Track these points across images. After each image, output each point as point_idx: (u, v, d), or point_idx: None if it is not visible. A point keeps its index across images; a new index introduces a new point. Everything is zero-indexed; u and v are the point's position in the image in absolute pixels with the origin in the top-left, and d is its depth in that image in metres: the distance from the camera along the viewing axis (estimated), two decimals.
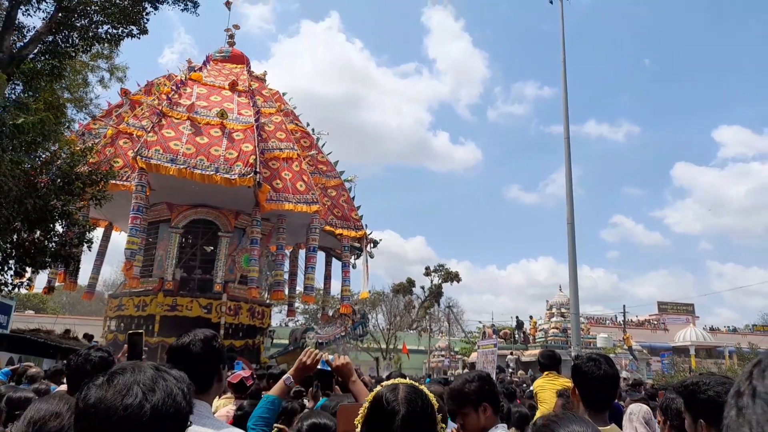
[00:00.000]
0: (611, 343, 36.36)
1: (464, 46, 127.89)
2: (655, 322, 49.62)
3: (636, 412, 5.64)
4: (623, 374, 28.95)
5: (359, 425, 1.71)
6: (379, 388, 1.74)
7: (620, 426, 5.79)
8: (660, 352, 38.73)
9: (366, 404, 1.71)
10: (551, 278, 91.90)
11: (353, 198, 23.50)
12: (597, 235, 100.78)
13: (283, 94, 24.37)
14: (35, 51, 13.35)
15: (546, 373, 5.78)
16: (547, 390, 5.52)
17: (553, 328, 34.92)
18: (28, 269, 12.24)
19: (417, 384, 1.75)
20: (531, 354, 34.43)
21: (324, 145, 23.98)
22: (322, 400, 4.21)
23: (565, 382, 5.26)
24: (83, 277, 23.31)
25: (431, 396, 1.72)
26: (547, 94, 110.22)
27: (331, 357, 2.68)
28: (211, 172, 17.22)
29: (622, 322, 41.84)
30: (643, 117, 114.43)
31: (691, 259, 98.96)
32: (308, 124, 24.11)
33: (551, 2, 26.35)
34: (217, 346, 2.08)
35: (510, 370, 30.15)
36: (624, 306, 41.78)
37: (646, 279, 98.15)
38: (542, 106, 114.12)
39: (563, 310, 34.77)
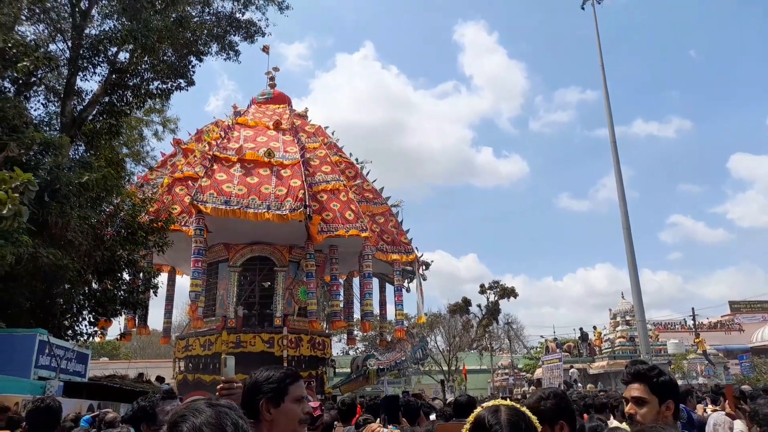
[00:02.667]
0: (683, 348, 34.67)
1: (500, 59, 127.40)
2: (729, 323, 47.07)
3: (721, 423, 5.36)
4: (699, 380, 27.53)
5: None
6: (479, 410, 1.71)
7: None
8: (737, 354, 36.63)
9: (467, 426, 1.69)
10: (612, 286, 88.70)
11: (401, 222, 23.65)
12: (656, 237, 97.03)
13: (325, 127, 24.98)
14: (93, 112, 14.26)
15: None
16: None
17: (619, 337, 33.68)
18: (102, 318, 12.85)
19: (518, 406, 1.72)
20: (598, 366, 33.27)
21: (368, 173, 24.35)
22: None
23: None
24: (155, 323, 24.33)
25: (534, 419, 1.70)
26: (590, 98, 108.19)
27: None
28: (263, 210, 17.75)
29: (692, 326, 39.93)
30: (693, 110, 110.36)
31: (760, 253, 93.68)
32: (351, 154, 24.56)
33: (583, 8, 26.18)
34: (261, 379, 2.14)
35: (579, 384, 29.19)
36: (693, 309, 39.95)
37: (713, 278, 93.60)
38: (586, 111, 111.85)
39: (628, 317, 33.55)
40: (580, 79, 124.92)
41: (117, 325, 19.32)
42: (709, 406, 7.67)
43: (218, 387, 2.39)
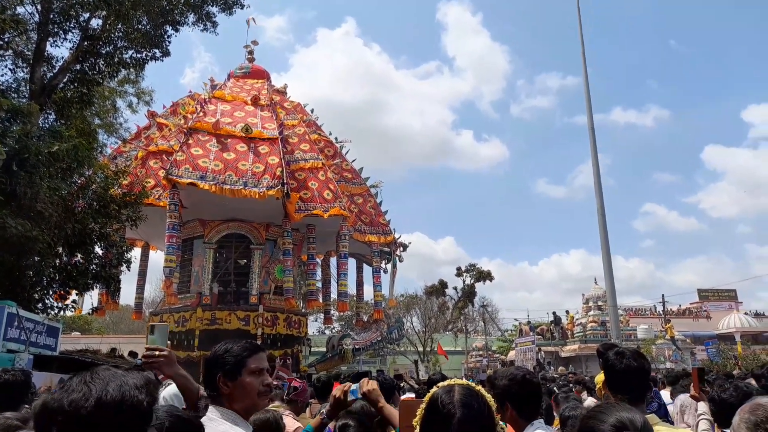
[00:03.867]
0: (652, 333, 35.54)
1: (483, 41, 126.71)
2: (697, 311, 48.36)
3: (688, 404, 5.45)
4: (667, 365, 28.27)
5: (417, 426, 1.69)
6: (435, 389, 1.70)
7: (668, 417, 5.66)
8: (704, 341, 37.69)
9: (423, 405, 1.69)
10: (585, 271, 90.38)
11: (380, 203, 23.58)
12: (630, 224, 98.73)
13: (305, 105, 24.64)
14: (64, 80, 13.81)
15: None
16: None
17: (591, 321, 34.36)
18: (73, 292, 12.60)
19: (473, 385, 1.71)
20: (570, 349, 33.94)
21: (348, 152, 24.16)
22: None
23: None
24: (128, 298, 24.00)
25: (488, 397, 1.69)
26: (571, 83, 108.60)
27: (355, 386, 2.68)
28: (240, 187, 17.50)
29: (662, 312, 40.91)
30: (672, 100, 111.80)
31: (729, 243, 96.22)
32: (330, 133, 24.31)
33: None
34: (219, 352, 2.14)
35: (551, 366, 29.76)
36: (663, 295, 40.78)
37: (683, 266, 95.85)
38: (567, 97, 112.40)
39: (600, 302, 34.21)
40: (562, 65, 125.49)
41: (89, 300, 19.01)
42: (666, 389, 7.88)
43: (141, 356, 2.33)
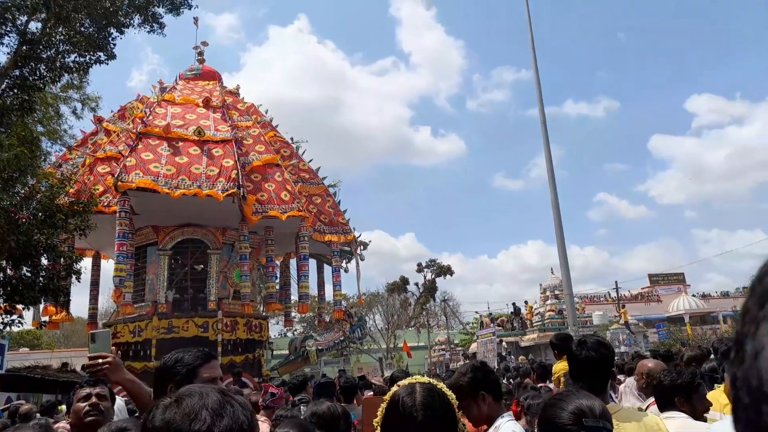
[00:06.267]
0: (607, 319, 36.71)
1: (438, 36, 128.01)
2: (648, 295, 50.21)
3: (630, 384, 5.80)
4: (622, 349, 29.27)
5: (378, 426, 1.67)
6: (395, 389, 1.68)
7: None
8: (656, 324, 39.20)
9: (384, 405, 1.67)
10: (543, 261, 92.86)
11: (339, 202, 23.50)
12: (584, 214, 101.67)
13: (259, 105, 24.30)
14: (3, 86, 13.23)
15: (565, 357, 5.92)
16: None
17: (549, 311, 35.20)
18: (19, 306, 12.11)
19: (435, 383, 1.69)
20: (529, 339, 34.69)
21: (304, 153, 23.96)
22: None
23: None
24: (81, 310, 23.16)
25: (450, 395, 1.68)
26: (526, 77, 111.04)
27: None
28: (194, 190, 17.14)
29: (615, 298, 42.28)
30: (620, 91, 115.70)
31: (677, 229, 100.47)
32: (286, 133, 24.09)
33: None
34: (170, 362, 2.07)
35: (511, 356, 30.34)
36: (616, 282, 42.29)
37: (635, 253, 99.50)
38: (522, 90, 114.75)
39: (557, 292, 35.07)
40: (517, 59, 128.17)
41: (37, 314, 18.28)
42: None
43: (83, 365, 2.29)
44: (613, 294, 43.34)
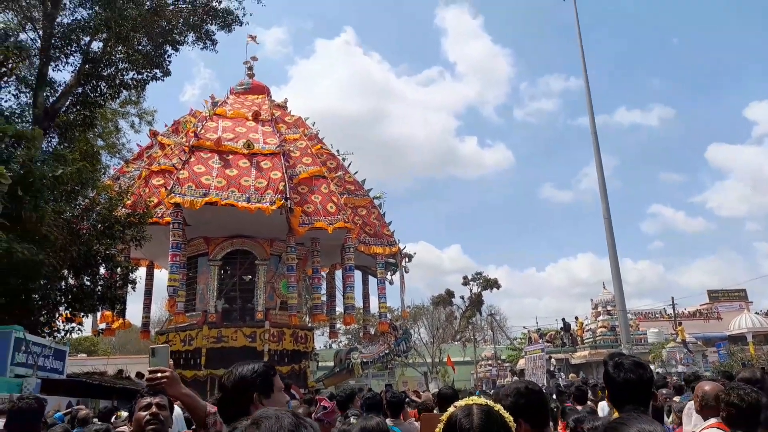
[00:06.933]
0: (663, 337, 35.20)
1: (484, 45, 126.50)
2: (708, 312, 47.96)
3: (692, 407, 5.52)
4: (679, 368, 27.99)
5: None
6: (452, 409, 1.69)
7: None
8: (716, 342, 37.33)
9: (441, 425, 1.67)
10: (595, 275, 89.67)
11: (384, 214, 23.56)
12: (637, 226, 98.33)
13: (306, 118, 24.74)
14: (67, 103, 13.94)
15: None
16: None
17: (600, 327, 34.06)
18: (79, 314, 12.61)
19: (492, 405, 1.69)
20: (580, 356, 33.65)
21: (350, 165, 24.20)
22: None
23: None
24: (135, 318, 23.97)
25: (508, 417, 1.67)
26: (574, 85, 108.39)
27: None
28: (243, 202, 17.52)
29: (672, 315, 40.58)
30: (675, 99, 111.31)
31: (738, 242, 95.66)
32: (332, 146, 24.39)
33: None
34: (251, 376, 2.22)
35: (562, 374, 29.49)
36: (672, 298, 40.49)
37: (693, 267, 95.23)
38: (571, 99, 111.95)
39: (609, 307, 33.92)
40: (565, 66, 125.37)
41: (95, 321, 19.00)
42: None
43: (144, 378, 2.39)
44: (669, 310, 41.59)
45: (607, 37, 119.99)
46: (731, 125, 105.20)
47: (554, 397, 10.03)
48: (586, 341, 34.61)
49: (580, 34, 23.26)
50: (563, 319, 37.44)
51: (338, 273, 23.76)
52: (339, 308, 24.68)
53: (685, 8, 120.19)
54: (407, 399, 8.48)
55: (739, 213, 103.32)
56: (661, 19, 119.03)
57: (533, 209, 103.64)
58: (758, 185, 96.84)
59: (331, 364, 25.52)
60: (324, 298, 23.44)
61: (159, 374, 2.32)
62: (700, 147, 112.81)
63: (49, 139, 13.62)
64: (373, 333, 24.66)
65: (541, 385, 2.64)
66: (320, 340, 38.85)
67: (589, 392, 8.62)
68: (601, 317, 34.77)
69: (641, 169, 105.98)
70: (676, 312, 40.48)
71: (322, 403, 5.05)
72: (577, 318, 37.63)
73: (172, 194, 17.13)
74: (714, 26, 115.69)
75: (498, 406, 1.69)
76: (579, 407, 6.51)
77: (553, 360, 31.02)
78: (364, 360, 22.79)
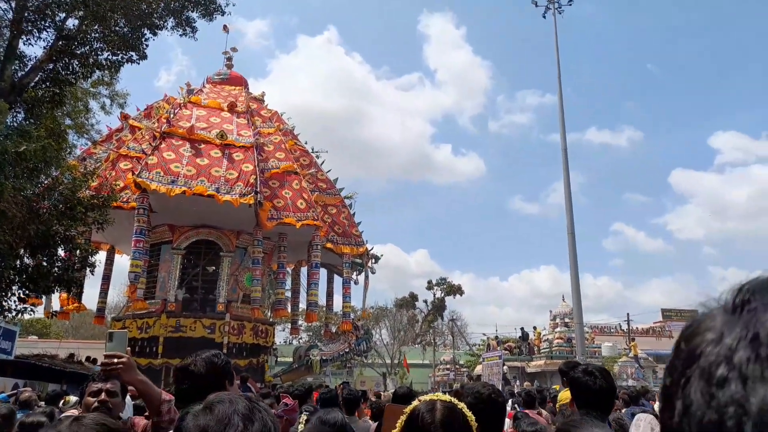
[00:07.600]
0: (616, 351, 36.17)
1: (466, 55, 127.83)
2: (660, 330, 49.41)
3: (643, 419, 5.78)
4: (629, 382, 28.80)
5: None
6: (416, 403, 1.70)
7: None
8: (665, 360, 38.44)
9: (403, 417, 1.68)
10: (555, 288, 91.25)
11: (354, 214, 23.62)
12: (600, 243, 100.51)
13: (282, 113, 24.62)
14: (36, 79, 13.58)
15: None
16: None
17: (557, 338, 34.76)
18: (33, 295, 12.30)
19: (456, 402, 1.70)
20: (536, 365, 34.28)
21: (323, 163, 24.16)
22: None
23: None
24: (90, 302, 23.41)
25: (470, 416, 1.68)
26: (550, 102, 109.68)
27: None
28: (212, 193, 17.34)
29: (626, 331, 41.68)
30: (645, 122, 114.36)
31: (694, 265, 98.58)
32: (307, 143, 24.33)
33: (544, 17, 26.74)
34: (220, 363, 2.26)
35: (517, 381, 29.97)
36: (628, 314, 41.60)
37: (650, 286, 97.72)
38: (545, 114, 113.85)
39: (567, 319, 34.63)
40: (542, 83, 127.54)
41: (48, 303, 18.51)
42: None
43: (100, 363, 2.41)
44: (624, 326, 42.74)
45: (584, 58, 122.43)
46: (695, 152, 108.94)
47: (509, 403, 10.26)
48: (542, 351, 35.28)
49: (558, 53, 23.82)
50: (522, 329, 38.10)
51: (304, 270, 23.70)
52: (302, 305, 24.62)
53: (662, 35, 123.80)
54: (364, 397, 8.58)
55: (697, 237, 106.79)
56: (638, 45, 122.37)
57: (501, 220, 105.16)
58: (717, 211, 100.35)
59: (291, 360, 25.42)
60: (288, 294, 23.32)
61: (115, 359, 2.32)
62: (665, 171, 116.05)
63: (15, 114, 13.24)
64: (334, 331, 24.67)
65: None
66: (281, 336, 38.61)
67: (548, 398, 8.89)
68: (558, 329, 35.48)
69: (607, 188, 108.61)
70: (631, 328, 41.61)
71: (284, 400, 5.11)
72: (535, 328, 38.33)
73: (140, 179, 16.83)
74: (687, 55, 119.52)
75: (462, 405, 1.71)
76: (527, 411, 6.71)
77: (506, 367, 31.49)
78: (324, 358, 22.76)
